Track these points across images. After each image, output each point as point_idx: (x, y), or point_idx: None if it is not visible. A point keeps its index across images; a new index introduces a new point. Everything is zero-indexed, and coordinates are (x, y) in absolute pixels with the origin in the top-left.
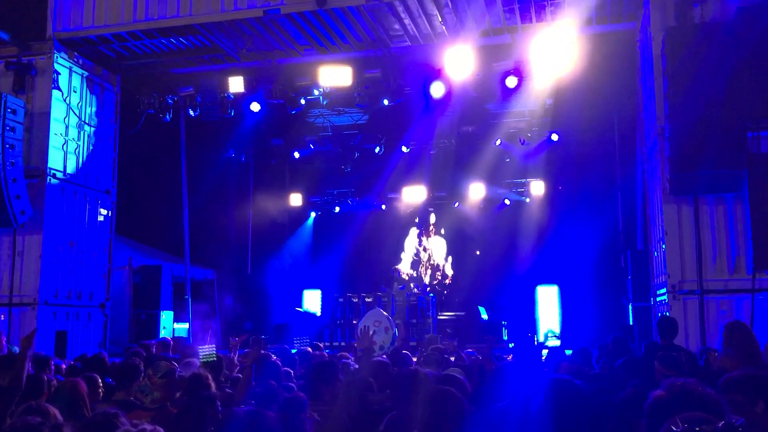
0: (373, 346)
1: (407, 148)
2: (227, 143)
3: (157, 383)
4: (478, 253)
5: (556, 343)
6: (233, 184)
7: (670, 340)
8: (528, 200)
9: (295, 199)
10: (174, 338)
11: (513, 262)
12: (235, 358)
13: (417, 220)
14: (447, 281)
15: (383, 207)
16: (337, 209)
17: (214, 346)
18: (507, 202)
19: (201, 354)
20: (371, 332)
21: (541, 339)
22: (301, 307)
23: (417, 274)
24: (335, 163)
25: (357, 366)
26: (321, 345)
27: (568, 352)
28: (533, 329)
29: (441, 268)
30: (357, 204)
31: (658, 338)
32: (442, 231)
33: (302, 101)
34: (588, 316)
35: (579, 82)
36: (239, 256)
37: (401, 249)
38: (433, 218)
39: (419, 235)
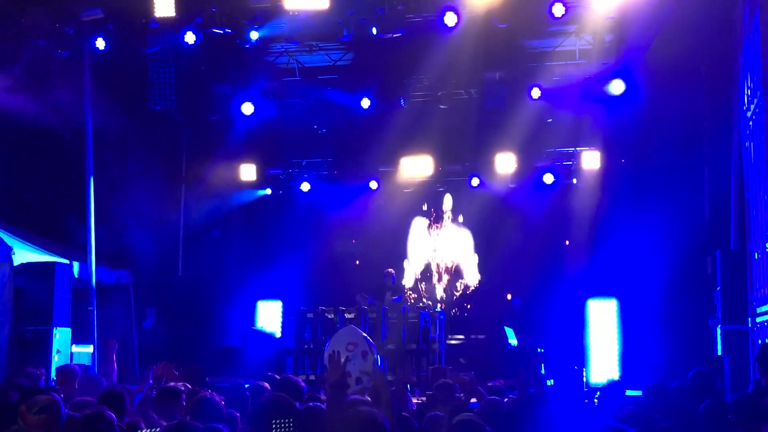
0: (346, 378)
1: (407, 101)
2: (150, 91)
3: (33, 422)
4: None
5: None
6: (159, 150)
7: None
8: (575, 181)
9: (247, 172)
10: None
11: (554, 266)
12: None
13: (426, 206)
14: (469, 290)
15: (373, 185)
16: (306, 187)
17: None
18: (548, 180)
19: None
20: (343, 359)
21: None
22: (255, 325)
23: (423, 280)
24: (304, 121)
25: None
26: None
27: (635, 393)
28: (581, 360)
29: (462, 272)
30: (335, 180)
31: (762, 377)
32: (460, 219)
33: (257, 32)
34: (658, 342)
35: (652, 9)
36: (166, 252)
37: (397, 244)
38: (448, 201)
39: (428, 226)
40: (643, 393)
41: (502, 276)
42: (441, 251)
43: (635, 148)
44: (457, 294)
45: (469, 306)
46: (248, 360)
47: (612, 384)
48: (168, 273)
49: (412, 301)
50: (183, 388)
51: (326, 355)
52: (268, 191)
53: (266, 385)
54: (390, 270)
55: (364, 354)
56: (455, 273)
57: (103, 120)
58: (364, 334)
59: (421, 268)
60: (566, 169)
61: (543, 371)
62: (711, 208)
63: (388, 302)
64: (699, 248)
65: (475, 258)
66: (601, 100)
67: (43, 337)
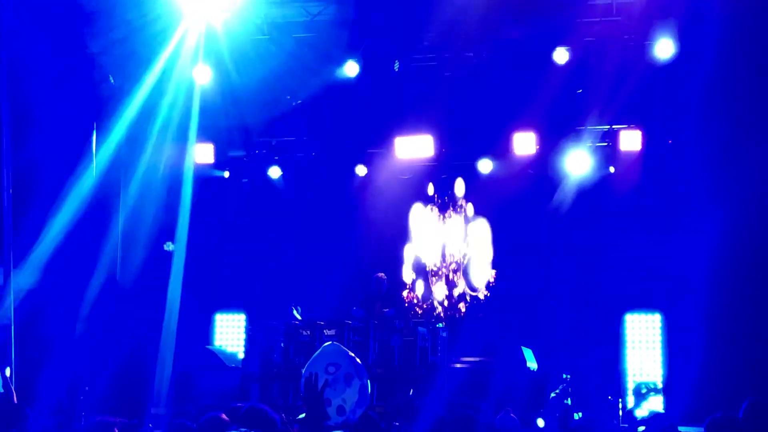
0: (325, 407)
1: (403, 65)
2: (77, 46)
3: None
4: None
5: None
6: (87, 122)
7: None
8: (612, 170)
9: (203, 153)
10: None
11: (585, 272)
12: None
13: (432, 191)
14: (482, 294)
15: (360, 171)
16: (276, 173)
17: None
18: (577, 168)
19: None
20: (321, 383)
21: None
22: (212, 344)
23: (424, 286)
24: (274, 90)
25: None
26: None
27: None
28: (617, 388)
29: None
30: (312, 164)
31: None
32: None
33: None
34: (713, 367)
35: None
36: (102, 254)
37: (390, 243)
38: (460, 186)
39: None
40: (705, 429)
41: (518, 285)
42: (451, 247)
43: (686, 126)
44: (475, 294)
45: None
46: (202, 388)
47: (657, 418)
48: (105, 278)
49: (412, 304)
50: (114, 420)
51: (303, 378)
52: (226, 174)
53: (224, 417)
54: (381, 275)
55: (348, 378)
56: (465, 274)
57: (18, 83)
58: (352, 354)
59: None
60: (600, 152)
61: (569, 401)
62: None
63: (379, 315)
64: (764, 249)
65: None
66: (644, 66)
67: None
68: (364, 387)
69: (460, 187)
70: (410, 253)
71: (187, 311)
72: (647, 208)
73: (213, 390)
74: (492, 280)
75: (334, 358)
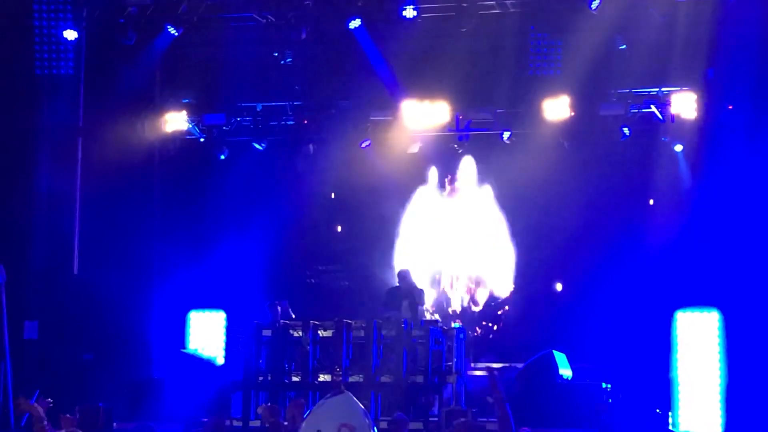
0: None
1: (414, 18)
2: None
3: None
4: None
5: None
6: (45, 86)
7: None
8: (676, 147)
9: (175, 121)
10: None
11: (629, 264)
12: None
13: (434, 170)
14: (501, 308)
15: (364, 144)
16: (262, 144)
17: None
18: (626, 131)
19: None
20: None
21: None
22: (186, 347)
23: (435, 285)
24: (260, 45)
25: None
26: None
27: None
28: (666, 400)
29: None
30: (306, 134)
31: None
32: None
33: None
34: None
35: None
36: (55, 241)
37: (397, 230)
38: (468, 166)
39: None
40: None
41: (549, 279)
42: (457, 243)
43: (750, 89)
44: (478, 308)
45: (495, 327)
46: (175, 398)
47: None
48: (58, 270)
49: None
50: None
51: None
52: (195, 130)
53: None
54: (406, 269)
55: None
56: (477, 278)
57: None
58: (365, 412)
59: (427, 267)
60: (647, 120)
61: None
62: None
63: (387, 315)
64: None
65: (511, 253)
66: (699, 17)
67: None
68: None
69: (471, 167)
70: (405, 248)
71: (157, 309)
72: (704, 184)
73: (187, 400)
74: (511, 284)
75: (349, 417)
